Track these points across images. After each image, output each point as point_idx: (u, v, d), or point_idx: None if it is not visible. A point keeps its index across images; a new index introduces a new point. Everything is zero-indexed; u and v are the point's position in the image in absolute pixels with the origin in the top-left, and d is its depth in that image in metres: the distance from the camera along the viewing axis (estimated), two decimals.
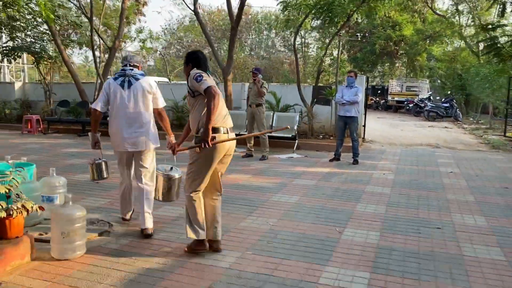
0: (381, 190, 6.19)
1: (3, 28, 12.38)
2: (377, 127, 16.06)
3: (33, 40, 13.13)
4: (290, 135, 9.79)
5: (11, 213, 3.34)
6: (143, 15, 25.70)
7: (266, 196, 5.71)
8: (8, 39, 13.47)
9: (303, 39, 30.71)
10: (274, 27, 30.32)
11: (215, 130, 3.44)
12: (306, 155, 9.26)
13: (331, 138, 11.00)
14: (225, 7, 11.51)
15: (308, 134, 10.90)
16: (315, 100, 11.34)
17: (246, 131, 9.30)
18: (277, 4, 12.95)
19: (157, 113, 4.30)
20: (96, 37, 13.18)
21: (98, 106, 4.17)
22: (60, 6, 12.53)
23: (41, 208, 3.58)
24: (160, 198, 4.12)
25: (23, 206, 3.44)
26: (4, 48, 13.52)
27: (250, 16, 33.13)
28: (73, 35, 20.00)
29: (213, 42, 11.78)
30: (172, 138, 4.20)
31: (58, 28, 12.95)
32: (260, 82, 8.52)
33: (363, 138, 11.59)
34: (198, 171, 3.56)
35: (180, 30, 31.86)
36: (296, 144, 9.88)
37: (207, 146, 3.36)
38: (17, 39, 13.14)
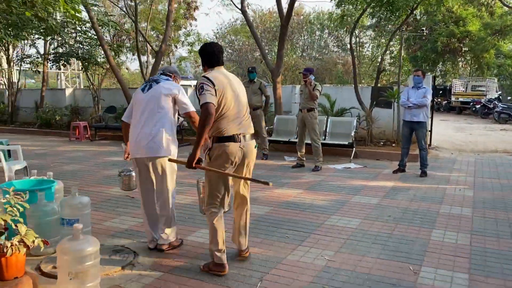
0: (459, 211, 5.13)
1: (53, 34, 12.31)
2: (442, 131, 14.61)
3: (81, 46, 13.01)
4: (347, 142, 8.82)
5: (5, 250, 2.73)
6: (194, 19, 25.57)
7: (320, 218, 4.83)
8: (57, 45, 13.45)
9: (357, 39, 29.45)
10: (328, 26, 29.32)
11: (223, 139, 3.20)
12: (365, 165, 8.26)
13: (393, 145, 9.89)
14: (276, 9, 10.71)
15: (366, 141, 9.87)
16: (374, 102, 10.29)
17: (296, 138, 8.44)
18: (331, 0, 12.03)
19: (188, 118, 3.85)
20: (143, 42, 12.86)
21: (124, 116, 4.01)
22: (106, 14, 12.35)
23: (45, 242, 2.95)
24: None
25: (21, 241, 2.83)
26: (53, 54, 13.49)
27: (302, 17, 32.37)
28: (126, 41, 20.12)
29: (264, 44, 10.99)
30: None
31: (111, 33, 12.80)
32: (312, 84, 7.66)
33: (429, 144, 10.38)
34: (211, 184, 3.34)
35: (229, 32, 31.44)
36: (353, 152, 8.90)
37: (190, 167, 3.20)
38: (65, 45, 13.08)
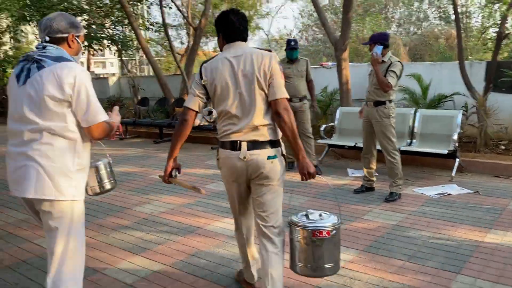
0: None
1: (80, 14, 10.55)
2: None
3: (113, 27, 11.08)
4: (446, 151, 5.59)
5: None
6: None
7: None
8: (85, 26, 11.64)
9: (463, 8, 24.76)
10: None
11: (221, 144, 2.49)
12: (476, 191, 5.04)
13: None
14: None
15: (478, 145, 6.50)
16: (491, 85, 6.82)
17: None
18: None
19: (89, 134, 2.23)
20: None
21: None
22: None
23: None
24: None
25: None
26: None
27: None
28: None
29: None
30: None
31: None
32: (388, 62, 4.63)
33: None
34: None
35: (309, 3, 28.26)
36: (456, 165, 5.67)
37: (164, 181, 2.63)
38: (92, 26, 11.20)
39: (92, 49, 11.52)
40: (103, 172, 2.62)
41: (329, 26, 7.66)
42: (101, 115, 2.16)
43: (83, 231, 2.24)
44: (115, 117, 2.42)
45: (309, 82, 6.12)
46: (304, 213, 2.43)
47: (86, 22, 11.12)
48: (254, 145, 2.39)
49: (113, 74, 27.74)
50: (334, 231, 2.32)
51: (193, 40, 9.98)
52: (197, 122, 6.90)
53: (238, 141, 2.38)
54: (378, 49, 4.52)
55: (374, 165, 5.08)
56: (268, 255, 2.46)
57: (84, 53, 12.25)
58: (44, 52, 2.13)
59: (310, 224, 2.31)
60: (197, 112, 2.50)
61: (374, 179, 5.12)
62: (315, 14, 30.55)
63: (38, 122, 2.07)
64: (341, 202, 4.73)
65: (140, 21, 12.02)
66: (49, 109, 2.06)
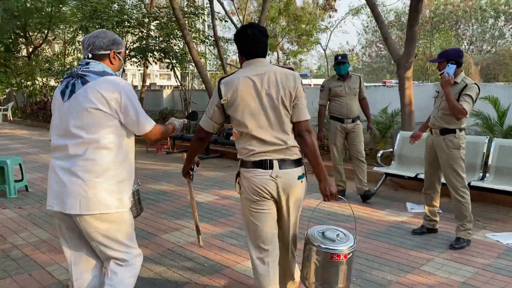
0: None
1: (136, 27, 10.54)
2: None
3: (167, 39, 10.95)
4: None
5: None
6: (334, 10, 22.21)
7: None
8: (137, 38, 11.56)
9: None
10: (504, 11, 23.34)
11: (244, 164, 2.42)
12: None
13: None
14: None
15: None
16: None
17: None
18: None
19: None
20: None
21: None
22: None
23: None
24: None
25: None
26: (134, 49, 11.65)
27: (471, 3, 26.73)
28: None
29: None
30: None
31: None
32: (461, 84, 3.89)
33: None
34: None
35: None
36: None
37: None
38: (147, 38, 11.14)
39: (147, 62, 11.51)
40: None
41: (392, 42, 6.93)
42: (151, 121, 2.27)
43: (134, 239, 2.33)
44: (173, 121, 2.55)
45: (362, 100, 5.55)
46: (321, 230, 2.43)
47: (141, 34, 11.15)
48: (284, 163, 2.37)
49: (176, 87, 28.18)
50: (351, 254, 2.33)
51: None
52: None
53: (268, 160, 2.35)
54: (450, 68, 3.79)
55: (437, 203, 4.31)
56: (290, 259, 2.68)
57: (139, 65, 12.34)
58: (88, 68, 2.19)
59: (329, 247, 2.31)
60: (212, 133, 2.54)
61: (437, 219, 4.34)
62: (379, 30, 29.43)
63: (82, 136, 2.11)
64: (396, 245, 4.02)
65: (195, 34, 11.94)
66: (93, 122, 2.11)
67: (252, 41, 2.38)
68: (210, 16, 11.43)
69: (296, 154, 2.41)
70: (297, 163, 2.42)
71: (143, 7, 12.44)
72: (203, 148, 2.63)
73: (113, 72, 2.26)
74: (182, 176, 2.88)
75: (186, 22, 11.41)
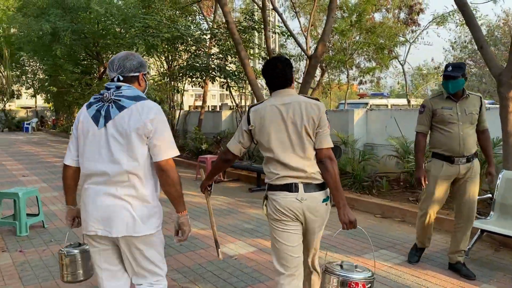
0: None
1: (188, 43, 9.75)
2: None
3: (221, 56, 10.03)
4: None
5: None
6: (417, 25, 20.27)
7: None
8: (189, 56, 10.71)
9: None
10: None
11: (272, 187, 2.53)
12: None
13: None
14: None
15: None
16: None
17: None
18: None
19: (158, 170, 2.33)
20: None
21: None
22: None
23: None
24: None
25: None
26: (186, 68, 10.76)
27: None
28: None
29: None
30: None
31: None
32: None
33: None
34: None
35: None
36: None
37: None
38: (200, 56, 10.27)
39: (201, 81, 10.71)
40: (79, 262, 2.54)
41: (489, 51, 5.31)
42: (175, 150, 2.27)
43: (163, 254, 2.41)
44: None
45: (482, 133, 3.88)
46: (338, 262, 2.43)
47: (193, 51, 10.39)
48: (309, 187, 2.47)
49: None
50: (370, 285, 2.31)
51: (306, 71, 8.36)
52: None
53: (294, 183, 2.46)
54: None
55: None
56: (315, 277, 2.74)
57: (199, 85, 11.59)
58: (120, 92, 2.22)
59: (348, 275, 2.30)
60: (238, 156, 2.67)
61: None
62: (469, 46, 26.72)
63: (123, 161, 2.17)
64: None
65: (254, 50, 11.01)
66: (133, 148, 2.17)
67: (277, 74, 2.55)
68: (273, 31, 10.43)
69: (318, 179, 2.50)
70: (321, 187, 2.52)
71: (204, 24, 11.76)
72: (226, 168, 2.73)
73: (144, 95, 2.31)
74: (200, 191, 2.94)
75: (245, 37, 10.49)
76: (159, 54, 11.51)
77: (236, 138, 2.61)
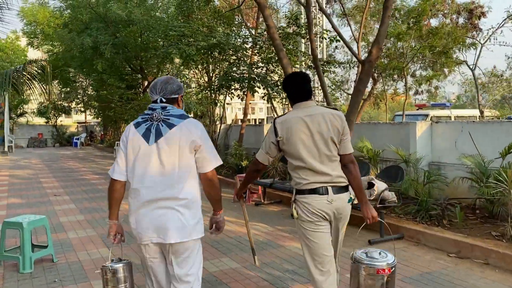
0: None
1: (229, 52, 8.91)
2: None
3: (262, 65, 9.10)
4: None
5: None
6: (479, 30, 18.56)
7: None
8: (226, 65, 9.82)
9: None
10: None
11: (301, 192, 2.77)
12: None
13: None
14: None
15: None
16: None
17: None
18: None
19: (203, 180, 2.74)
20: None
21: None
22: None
23: None
24: None
25: None
26: (223, 78, 9.84)
27: None
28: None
29: None
30: None
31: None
32: None
33: None
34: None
35: None
36: None
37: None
38: (241, 65, 9.37)
39: (240, 93, 9.84)
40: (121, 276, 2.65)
41: None
42: (218, 160, 2.57)
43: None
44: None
45: None
46: (363, 250, 2.66)
47: (233, 61, 9.56)
48: (337, 189, 2.73)
49: None
50: (393, 268, 2.55)
51: (358, 78, 7.27)
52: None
53: (324, 187, 2.71)
54: None
55: None
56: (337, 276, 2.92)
57: (238, 97, 10.77)
58: (168, 112, 2.51)
59: (375, 263, 2.54)
60: (267, 165, 2.91)
61: None
62: None
63: (174, 173, 2.42)
64: None
65: (298, 58, 10.05)
66: (184, 160, 2.44)
67: (297, 88, 2.82)
68: (319, 36, 9.44)
69: (343, 182, 2.77)
70: (346, 188, 2.79)
71: (245, 32, 10.96)
72: (257, 178, 3.08)
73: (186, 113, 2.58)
74: (234, 200, 3.37)
75: (289, 43, 9.56)
76: (196, 65, 10.80)
77: (263, 149, 2.85)
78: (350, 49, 7.25)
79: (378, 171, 6.74)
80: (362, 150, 7.32)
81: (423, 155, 6.82)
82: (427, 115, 11.68)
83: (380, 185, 5.38)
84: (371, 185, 5.48)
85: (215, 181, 2.54)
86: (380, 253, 2.58)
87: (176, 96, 2.58)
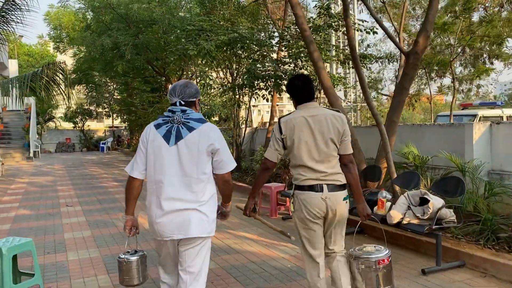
0: None
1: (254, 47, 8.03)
2: None
3: (290, 61, 8.15)
4: None
5: None
6: None
7: None
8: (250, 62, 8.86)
9: None
10: None
11: (300, 188, 2.97)
12: None
13: None
14: None
15: None
16: None
17: None
18: None
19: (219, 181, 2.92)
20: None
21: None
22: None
23: None
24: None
25: None
26: (247, 76, 8.87)
27: None
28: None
29: None
30: None
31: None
32: None
33: None
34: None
35: None
36: None
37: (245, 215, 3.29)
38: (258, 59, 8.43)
39: (265, 93, 8.93)
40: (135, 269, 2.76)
41: None
42: (233, 163, 2.71)
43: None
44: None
45: None
46: (359, 248, 3.01)
47: (257, 57, 8.66)
48: (332, 187, 2.91)
49: None
50: (390, 258, 2.93)
51: (402, 73, 6.23)
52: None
53: (319, 184, 2.90)
54: None
55: None
56: (339, 264, 3.04)
57: (264, 98, 9.88)
58: (188, 115, 2.65)
59: (374, 255, 2.91)
60: (276, 163, 3.05)
61: None
62: None
63: (193, 174, 2.57)
64: None
65: (331, 52, 9.12)
66: (202, 162, 2.59)
67: (300, 90, 3.00)
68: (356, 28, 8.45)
69: (340, 180, 2.95)
70: (342, 187, 2.97)
71: (271, 27, 10.07)
72: (268, 178, 3.17)
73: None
74: (244, 215, 3.24)
75: (320, 36, 8.61)
76: (217, 64, 9.97)
77: (272, 147, 3.01)
78: (392, 39, 6.24)
79: (429, 183, 5.70)
80: (408, 157, 6.27)
81: (481, 162, 5.73)
82: (475, 115, 10.44)
83: (436, 202, 4.36)
84: (424, 201, 4.47)
85: (230, 182, 2.72)
86: (375, 247, 2.99)
87: (194, 99, 2.74)
